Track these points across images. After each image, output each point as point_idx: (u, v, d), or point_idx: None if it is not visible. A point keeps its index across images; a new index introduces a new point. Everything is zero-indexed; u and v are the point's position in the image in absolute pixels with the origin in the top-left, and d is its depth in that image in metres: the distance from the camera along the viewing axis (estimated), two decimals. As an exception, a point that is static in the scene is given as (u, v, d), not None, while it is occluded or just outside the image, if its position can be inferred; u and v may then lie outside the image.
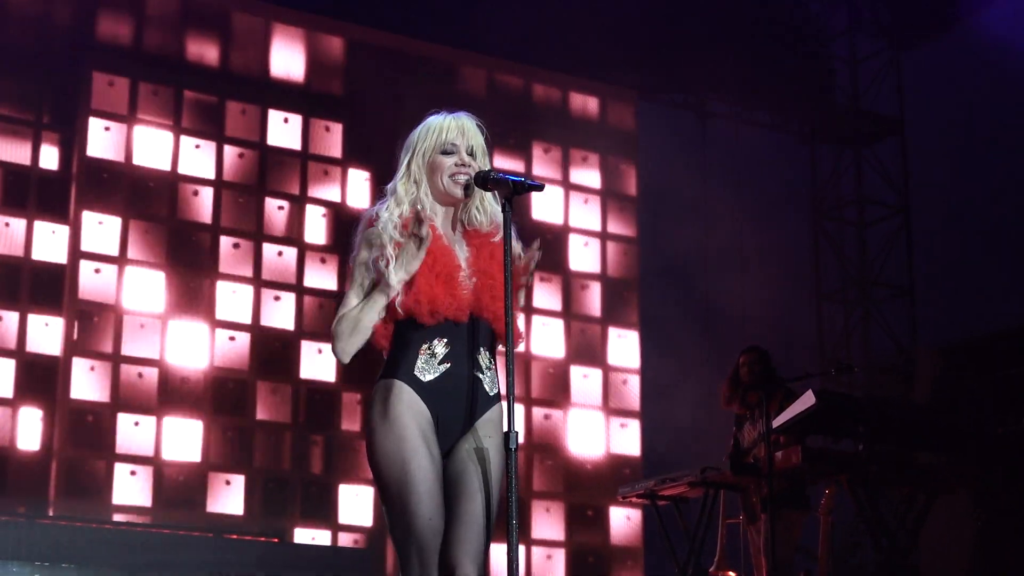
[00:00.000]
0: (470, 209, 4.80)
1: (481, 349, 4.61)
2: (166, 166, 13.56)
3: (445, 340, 4.57)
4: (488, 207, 4.78)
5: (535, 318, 14.45)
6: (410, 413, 4.51)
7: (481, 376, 4.62)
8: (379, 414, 4.52)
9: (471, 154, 4.74)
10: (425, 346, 4.56)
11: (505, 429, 4.44)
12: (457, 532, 4.46)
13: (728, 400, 9.76)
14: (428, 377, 4.56)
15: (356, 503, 13.62)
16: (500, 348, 4.66)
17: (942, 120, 15.86)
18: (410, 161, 4.74)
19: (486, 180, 4.74)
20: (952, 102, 15.66)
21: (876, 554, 9.60)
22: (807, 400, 9.01)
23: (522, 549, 13.69)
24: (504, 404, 4.54)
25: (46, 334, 13.07)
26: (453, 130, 4.75)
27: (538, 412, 14.42)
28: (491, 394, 4.65)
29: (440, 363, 4.58)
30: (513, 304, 4.53)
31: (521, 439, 4.59)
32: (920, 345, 14.97)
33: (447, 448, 4.57)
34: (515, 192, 4.74)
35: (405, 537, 4.43)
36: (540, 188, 4.87)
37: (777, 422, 9.10)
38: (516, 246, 4.70)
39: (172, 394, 13.14)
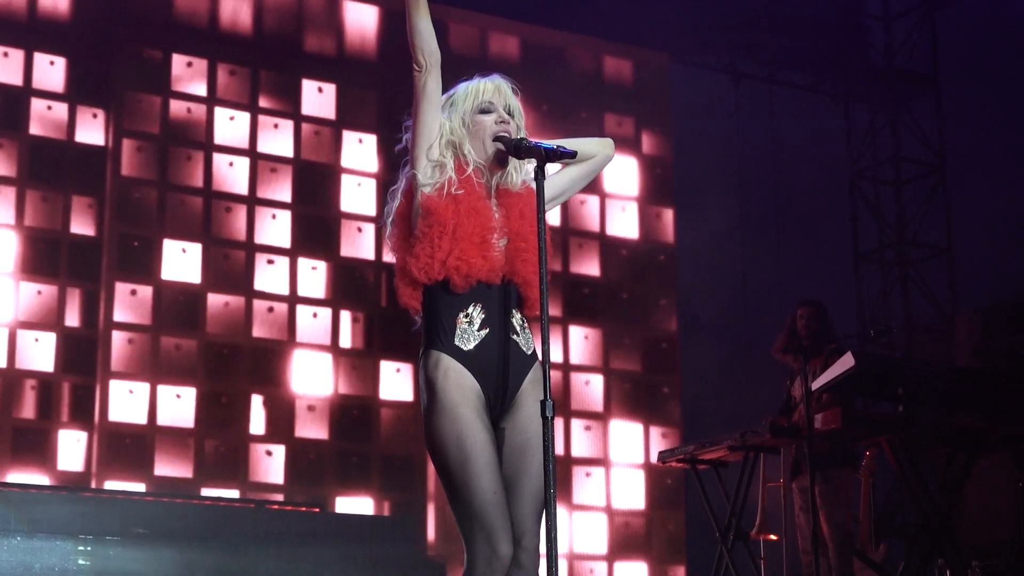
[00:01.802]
0: (508, 170, 4.73)
1: (514, 311, 4.56)
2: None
3: (480, 305, 4.53)
4: (523, 166, 4.72)
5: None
6: (459, 390, 4.45)
7: (517, 338, 4.59)
8: (429, 393, 4.46)
9: (509, 113, 4.69)
10: (463, 314, 4.51)
11: (547, 406, 4.39)
12: (523, 502, 4.45)
13: (783, 350, 9.72)
14: (469, 346, 4.51)
15: (397, 472, 13.59)
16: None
17: (976, 76, 15.73)
18: (449, 124, 4.66)
19: (519, 148, 4.68)
20: (986, 58, 15.51)
21: (917, 517, 9.52)
22: (846, 362, 8.93)
23: (564, 513, 13.68)
24: (536, 367, 4.56)
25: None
26: (490, 91, 4.71)
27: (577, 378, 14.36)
28: (528, 353, 4.62)
29: (479, 329, 4.53)
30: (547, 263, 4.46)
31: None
32: (959, 305, 14.87)
33: (499, 414, 4.55)
34: (548, 159, 4.67)
35: (469, 513, 4.37)
36: (573, 155, 4.80)
37: (817, 384, 9.06)
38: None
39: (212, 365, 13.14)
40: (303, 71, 13.94)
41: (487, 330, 4.53)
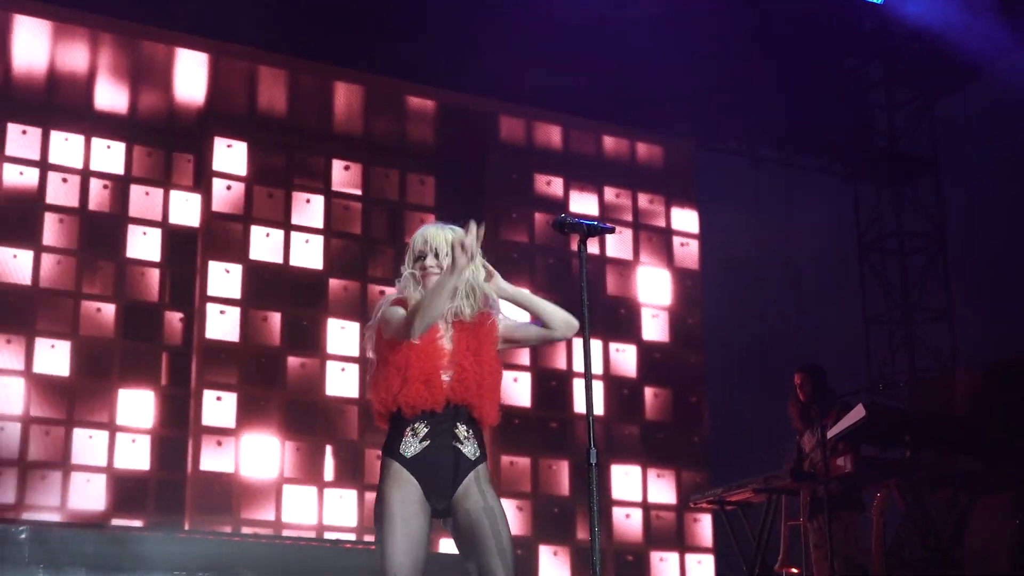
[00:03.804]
0: (457, 304, 5.18)
1: (459, 424, 5.12)
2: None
3: (425, 422, 5.09)
4: (475, 293, 5.22)
5: (611, 344, 14.43)
6: (396, 484, 5.05)
7: (460, 446, 5.09)
8: (378, 486, 5.10)
9: (436, 255, 5.19)
10: (409, 428, 5.10)
11: (591, 453, 4.55)
12: (488, 558, 4.97)
13: (796, 419, 9.84)
14: (410, 452, 5.07)
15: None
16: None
17: (973, 157, 15.85)
18: (404, 283, 5.28)
19: (563, 224, 4.87)
20: (981, 141, 15.64)
21: (923, 551, 9.54)
22: (858, 413, 9.07)
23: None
24: (481, 467, 5.11)
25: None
26: (420, 241, 5.26)
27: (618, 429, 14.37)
28: (472, 459, 5.13)
29: (421, 440, 5.08)
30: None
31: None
32: (958, 362, 14.90)
33: (444, 506, 5.10)
34: (588, 234, 4.86)
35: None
36: (611, 231, 5.01)
37: (831, 433, 9.15)
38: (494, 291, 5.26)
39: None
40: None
41: (428, 441, 5.08)
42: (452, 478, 5.05)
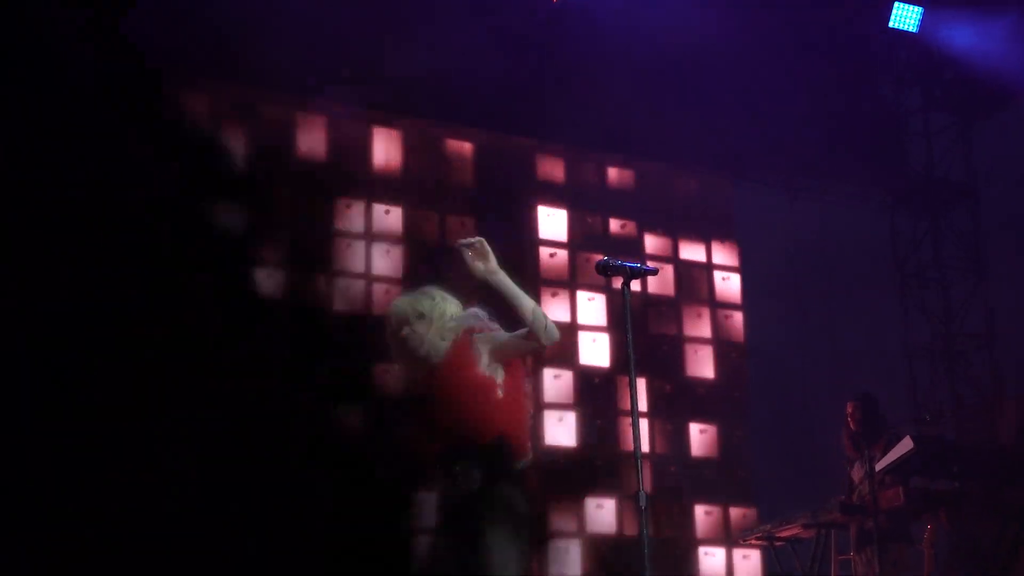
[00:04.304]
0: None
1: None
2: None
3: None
4: (436, 341, 5.51)
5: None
6: None
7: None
8: None
9: (409, 324, 5.49)
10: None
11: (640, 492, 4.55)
12: None
13: (848, 448, 9.84)
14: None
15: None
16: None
17: (1010, 182, 15.78)
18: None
19: (607, 268, 4.91)
20: (1017, 166, 15.57)
21: (975, 581, 9.47)
22: (906, 445, 9.06)
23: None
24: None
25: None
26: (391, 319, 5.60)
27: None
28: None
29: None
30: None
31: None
32: (1003, 392, 14.82)
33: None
34: (632, 276, 4.88)
35: None
36: (654, 272, 5.06)
37: (879, 465, 9.12)
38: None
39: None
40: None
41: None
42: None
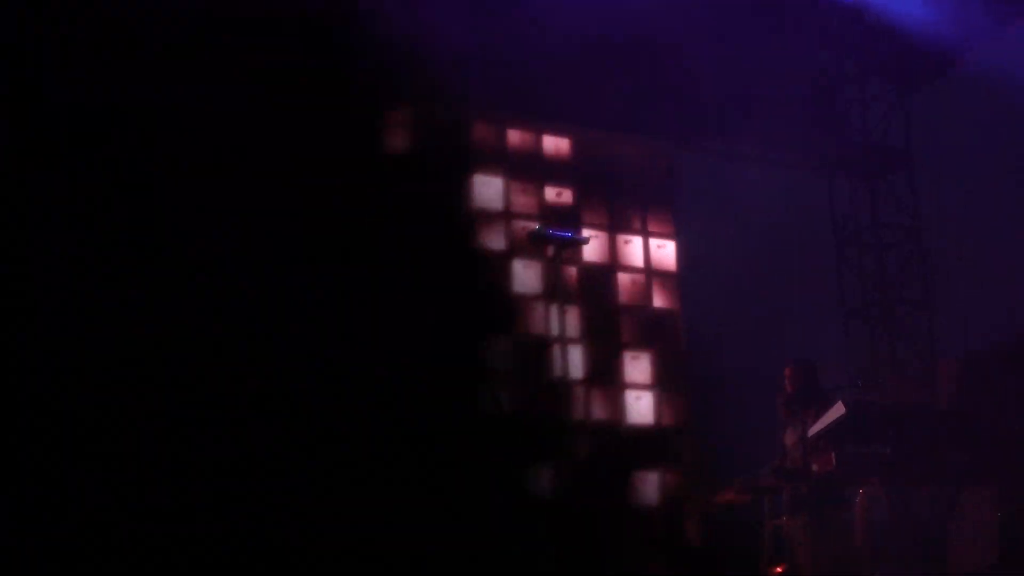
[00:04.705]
0: None
1: None
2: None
3: None
4: None
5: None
6: None
7: None
8: None
9: None
10: None
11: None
12: None
13: (781, 410, 9.90)
14: None
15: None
16: None
17: (945, 148, 15.90)
18: None
19: (540, 238, 4.85)
20: (954, 132, 15.69)
21: (908, 545, 9.55)
22: (838, 410, 9.05)
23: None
24: None
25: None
26: None
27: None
28: None
29: None
30: None
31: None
32: (939, 355, 14.94)
33: None
34: (565, 246, 4.83)
35: None
36: (585, 242, 4.97)
37: (812, 431, 9.15)
38: None
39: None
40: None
41: None
42: None
